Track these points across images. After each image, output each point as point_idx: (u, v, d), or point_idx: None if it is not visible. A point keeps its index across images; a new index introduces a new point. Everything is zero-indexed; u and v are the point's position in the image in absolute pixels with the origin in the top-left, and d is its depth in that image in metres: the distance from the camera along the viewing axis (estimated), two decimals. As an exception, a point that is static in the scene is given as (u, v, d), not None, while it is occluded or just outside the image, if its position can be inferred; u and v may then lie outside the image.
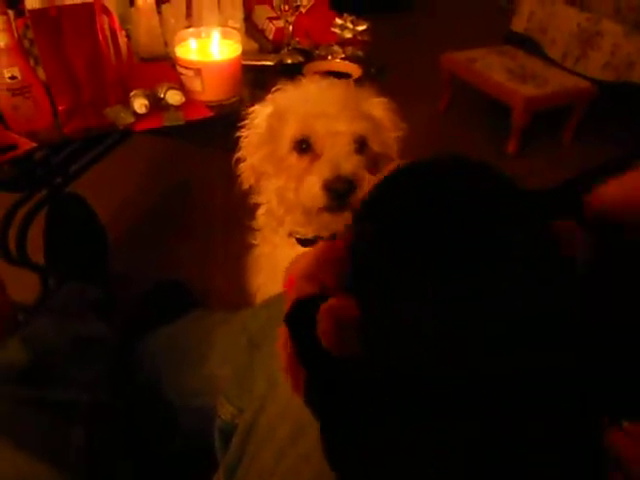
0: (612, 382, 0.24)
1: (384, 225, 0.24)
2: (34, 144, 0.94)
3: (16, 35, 0.94)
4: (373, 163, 0.84)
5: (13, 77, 0.93)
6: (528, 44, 2.38)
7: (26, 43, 1.00)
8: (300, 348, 0.26)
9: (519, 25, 2.44)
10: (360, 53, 1.33)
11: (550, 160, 2.04)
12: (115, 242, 1.39)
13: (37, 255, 1.22)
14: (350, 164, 0.77)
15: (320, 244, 0.28)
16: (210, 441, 0.73)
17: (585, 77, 2.09)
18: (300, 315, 0.26)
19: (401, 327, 0.22)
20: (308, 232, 0.88)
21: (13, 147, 0.93)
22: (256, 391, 0.60)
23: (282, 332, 0.27)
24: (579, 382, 0.23)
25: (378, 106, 0.86)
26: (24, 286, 1.21)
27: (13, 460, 0.59)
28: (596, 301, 0.23)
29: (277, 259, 0.94)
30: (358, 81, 1.16)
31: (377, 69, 1.29)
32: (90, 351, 0.85)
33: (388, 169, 0.26)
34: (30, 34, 0.97)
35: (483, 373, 0.22)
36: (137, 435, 0.80)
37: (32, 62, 0.98)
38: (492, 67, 2.06)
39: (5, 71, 0.92)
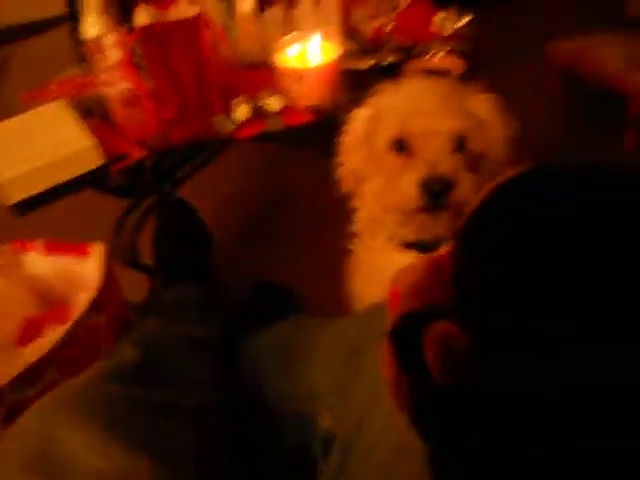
0: None
1: (496, 248, 0.22)
2: (144, 153, 0.99)
3: (128, 50, 0.99)
4: (474, 164, 0.80)
5: (125, 89, 0.99)
6: (648, 27, 2.19)
7: (136, 57, 1.05)
8: (404, 366, 0.24)
9: (635, 8, 2.25)
10: (463, 48, 1.28)
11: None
12: (218, 245, 1.43)
13: (146, 257, 1.29)
14: (447, 163, 0.74)
15: (430, 257, 0.27)
16: (307, 447, 0.73)
17: None
18: (404, 332, 0.24)
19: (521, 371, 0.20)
20: (409, 234, 0.86)
21: (124, 156, 0.99)
22: (356, 403, 0.58)
23: (386, 348, 0.26)
24: None
25: (483, 103, 0.82)
26: (133, 287, 1.27)
27: (124, 457, 0.61)
28: None
29: (376, 265, 0.92)
30: (462, 77, 1.12)
31: (481, 63, 1.24)
32: (196, 352, 0.88)
33: (500, 178, 0.24)
34: (139, 48, 1.02)
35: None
36: (242, 439, 0.81)
37: (141, 75, 1.03)
38: (607, 54, 1.91)
39: (118, 84, 0.98)
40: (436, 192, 0.74)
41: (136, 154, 0.99)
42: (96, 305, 0.90)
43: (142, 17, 0.99)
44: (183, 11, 0.98)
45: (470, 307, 0.22)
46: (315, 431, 0.71)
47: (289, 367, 0.85)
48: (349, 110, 0.88)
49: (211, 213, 1.58)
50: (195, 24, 0.93)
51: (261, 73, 1.19)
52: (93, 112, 1.10)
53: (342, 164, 0.87)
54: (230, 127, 1.01)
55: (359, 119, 0.85)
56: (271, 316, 1.08)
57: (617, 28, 2.21)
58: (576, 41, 2.03)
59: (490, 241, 0.22)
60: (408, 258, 0.88)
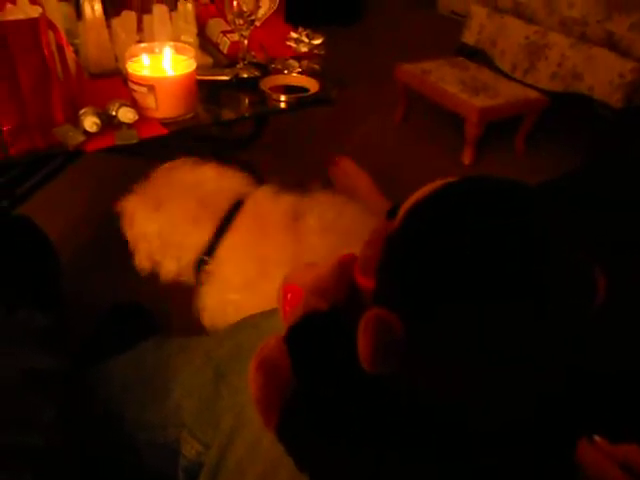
0: (594, 403, 0.24)
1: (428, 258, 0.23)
2: (-23, 167, 0.89)
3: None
4: None
5: (-48, 96, 0.88)
6: (480, 56, 2.43)
7: (-34, 59, 0.94)
8: (302, 366, 0.24)
9: (470, 37, 2.49)
10: (317, 67, 1.32)
11: (504, 169, 2.08)
12: (68, 264, 1.33)
13: (-17, 282, 1.16)
14: None
15: (337, 259, 0.27)
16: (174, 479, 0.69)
17: (535, 88, 2.14)
18: (309, 330, 0.24)
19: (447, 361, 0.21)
20: None
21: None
22: (223, 425, 0.57)
23: (257, 362, 0.25)
24: (566, 406, 0.23)
25: None
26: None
27: None
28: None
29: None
30: (316, 95, 1.16)
31: (334, 82, 1.29)
32: (39, 386, 0.80)
33: (421, 192, 0.25)
34: (-30, 50, 0.92)
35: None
36: (96, 476, 0.75)
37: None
38: (446, 79, 2.09)
39: (-57, 90, 0.87)
40: None
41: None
42: None
43: (-28, 16, 0.90)
44: (22, 11, 0.90)
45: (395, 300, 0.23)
46: (181, 461, 0.68)
47: (151, 394, 0.80)
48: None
49: (60, 232, 1.47)
50: (36, 26, 0.85)
51: (112, 82, 1.13)
52: None
53: None
54: (78, 139, 0.94)
55: None
56: (129, 340, 1.02)
57: (455, 54, 2.43)
58: (420, 65, 2.19)
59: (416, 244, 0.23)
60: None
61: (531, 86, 2.16)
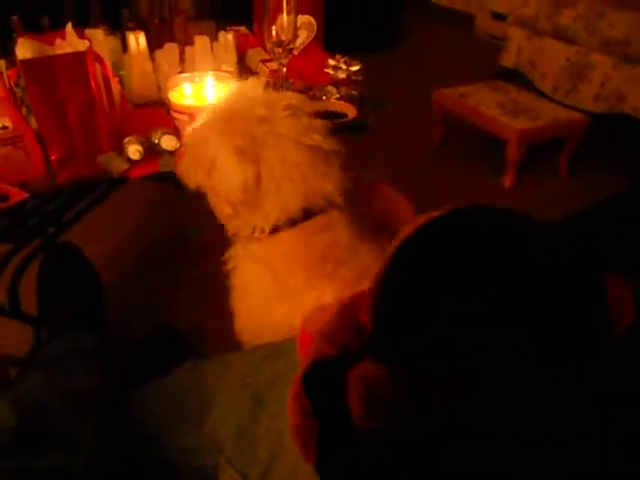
0: None
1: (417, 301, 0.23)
2: (26, 195, 0.92)
3: (7, 84, 0.93)
4: None
5: (4, 127, 0.92)
6: (519, 78, 2.41)
7: (18, 92, 0.98)
8: (316, 410, 0.24)
9: (509, 60, 2.48)
10: (354, 93, 1.33)
11: (547, 192, 2.03)
12: (110, 289, 1.36)
13: (30, 306, 1.19)
14: None
15: (343, 302, 0.27)
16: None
17: (577, 109, 2.10)
18: (319, 376, 0.25)
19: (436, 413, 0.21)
20: None
21: (4, 198, 0.91)
22: (260, 454, 0.56)
23: (293, 394, 0.25)
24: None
25: None
26: (15, 339, 1.17)
27: None
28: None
29: None
30: (353, 120, 1.16)
31: (373, 107, 1.29)
32: (83, 407, 0.81)
33: (406, 231, 0.25)
34: (22, 83, 0.96)
35: None
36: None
37: (24, 111, 0.97)
38: (484, 102, 2.08)
39: (-4, 122, 0.91)
40: None
41: (16, 196, 0.92)
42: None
43: (25, 50, 0.94)
44: (71, 45, 0.94)
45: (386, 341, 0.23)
46: None
47: (187, 417, 0.80)
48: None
49: (103, 257, 1.50)
50: (84, 59, 0.89)
51: (155, 112, 1.16)
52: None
53: None
54: (123, 166, 0.97)
55: None
56: (167, 363, 1.03)
57: (493, 78, 2.42)
58: (459, 89, 2.19)
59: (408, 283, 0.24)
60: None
61: (573, 108, 2.12)
